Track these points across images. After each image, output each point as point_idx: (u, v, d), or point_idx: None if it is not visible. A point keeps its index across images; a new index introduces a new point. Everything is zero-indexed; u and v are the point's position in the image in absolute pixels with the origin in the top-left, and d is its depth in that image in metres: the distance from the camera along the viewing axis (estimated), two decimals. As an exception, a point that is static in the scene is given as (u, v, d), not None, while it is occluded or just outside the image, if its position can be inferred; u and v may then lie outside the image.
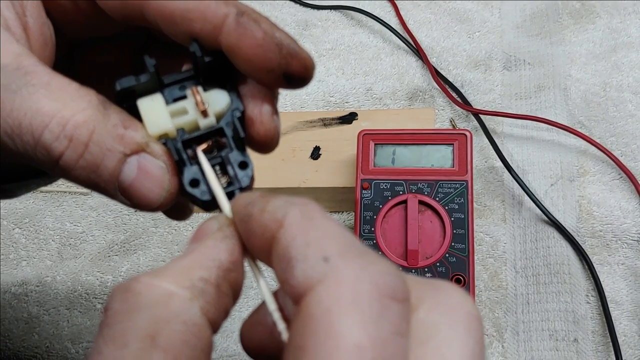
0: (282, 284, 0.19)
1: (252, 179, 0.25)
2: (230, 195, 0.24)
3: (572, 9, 0.65)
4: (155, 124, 0.24)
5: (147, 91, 0.24)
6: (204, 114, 0.24)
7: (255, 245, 0.21)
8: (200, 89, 0.25)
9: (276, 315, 0.21)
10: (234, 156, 0.24)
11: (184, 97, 0.25)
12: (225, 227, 0.22)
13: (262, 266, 0.23)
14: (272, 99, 0.26)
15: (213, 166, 0.24)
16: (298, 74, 0.24)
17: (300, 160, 0.56)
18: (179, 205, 0.30)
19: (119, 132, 0.22)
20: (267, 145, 0.26)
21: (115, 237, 0.58)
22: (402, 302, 0.18)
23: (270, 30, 0.24)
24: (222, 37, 0.23)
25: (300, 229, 0.19)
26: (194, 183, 0.24)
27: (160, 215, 0.58)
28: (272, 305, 0.21)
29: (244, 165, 0.24)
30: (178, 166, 0.24)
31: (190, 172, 0.24)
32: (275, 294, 0.22)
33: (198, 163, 0.24)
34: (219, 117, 0.25)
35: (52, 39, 0.26)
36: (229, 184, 0.24)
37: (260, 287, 0.22)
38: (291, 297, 0.19)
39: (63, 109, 0.22)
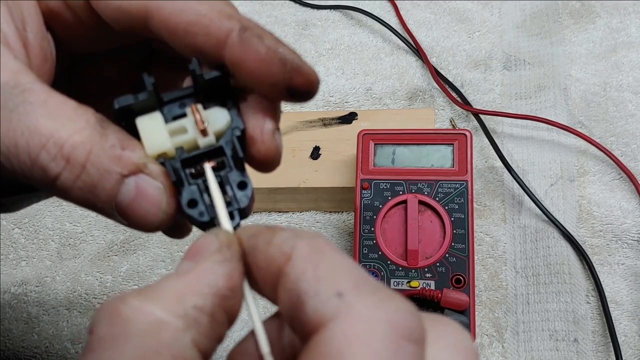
0: (290, 319, 0.19)
1: (251, 200, 0.24)
2: (229, 216, 0.24)
3: (572, 8, 0.65)
4: (154, 143, 0.23)
5: (146, 109, 0.24)
6: (204, 132, 0.24)
7: (259, 278, 0.20)
8: (200, 106, 0.24)
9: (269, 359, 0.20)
10: (233, 176, 0.24)
11: (183, 115, 0.24)
12: (225, 249, 0.21)
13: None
14: (275, 116, 0.25)
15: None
16: (302, 88, 0.24)
17: (300, 160, 0.56)
18: (177, 224, 0.29)
19: (116, 153, 0.22)
20: (267, 164, 0.25)
21: (115, 237, 0.58)
22: (417, 342, 0.17)
23: (273, 45, 0.23)
24: (226, 52, 0.23)
25: (310, 262, 0.19)
26: (192, 203, 0.24)
27: (159, 215, 0.58)
28: (265, 348, 0.21)
29: (242, 185, 0.24)
30: (176, 186, 0.24)
31: (188, 192, 0.24)
32: (266, 323, 0.21)
33: (196, 182, 0.24)
34: (218, 136, 0.24)
35: (52, 54, 0.25)
36: (228, 204, 0.24)
37: (254, 322, 0.21)
38: (299, 333, 0.18)
39: (60, 129, 0.21)
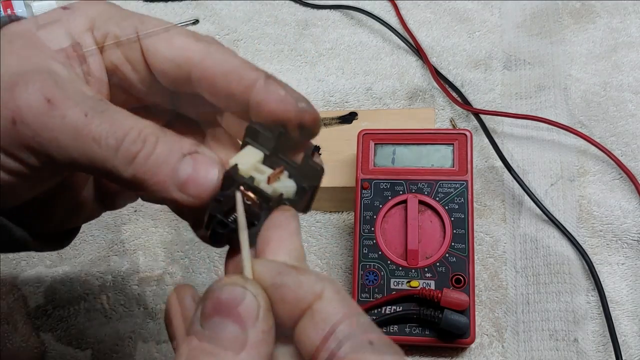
0: (315, 350, 0.23)
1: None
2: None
3: (572, 8, 0.65)
4: (242, 159, 0.29)
5: (264, 145, 0.30)
6: (269, 181, 0.29)
7: (285, 312, 0.24)
8: (285, 173, 0.30)
9: None
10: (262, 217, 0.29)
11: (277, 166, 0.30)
12: (268, 313, 0.24)
13: None
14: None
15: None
16: (309, 124, 0.30)
17: (300, 160, 0.56)
18: None
19: (176, 139, 0.28)
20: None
21: (115, 237, 0.58)
22: None
23: (290, 90, 0.30)
24: (253, 95, 0.29)
25: (340, 305, 0.24)
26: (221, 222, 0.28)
27: (160, 215, 0.58)
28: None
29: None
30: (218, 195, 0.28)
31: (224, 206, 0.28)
32: None
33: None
34: (275, 194, 0.29)
35: (106, 97, 0.31)
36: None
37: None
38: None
39: (138, 122, 0.28)
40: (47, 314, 0.54)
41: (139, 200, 0.37)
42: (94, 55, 0.31)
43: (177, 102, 0.35)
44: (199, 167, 0.28)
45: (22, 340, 0.53)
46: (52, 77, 0.28)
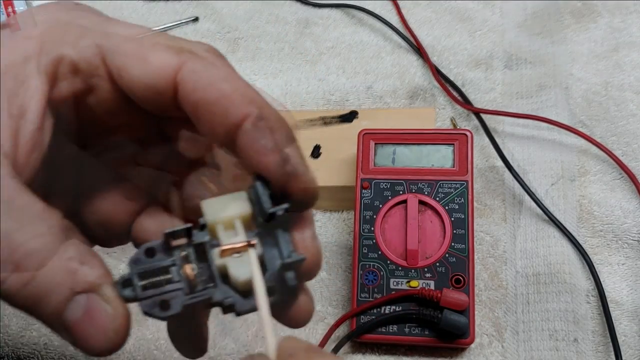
0: None
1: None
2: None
3: (573, 7, 0.65)
4: (219, 207, 0.24)
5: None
6: (222, 252, 0.24)
7: None
8: (254, 252, 0.24)
9: None
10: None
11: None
12: None
13: None
14: (312, 226, 0.26)
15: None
16: (296, 194, 0.24)
17: (300, 159, 0.55)
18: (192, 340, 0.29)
19: (72, 266, 0.21)
20: (310, 267, 0.25)
21: (114, 235, 0.58)
22: None
23: (282, 142, 0.24)
24: (238, 136, 0.23)
25: None
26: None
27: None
28: None
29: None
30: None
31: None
32: None
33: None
34: (220, 272, 0.24)
35: (43, 142, 0.24)
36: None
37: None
38: None
39: (18, 230, 0.21)
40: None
41: None
42: (28, 91, 0.23)
43: (158, 126, 0.29)
44: (91, 316, 0.21)
45: (21, 337, 0.53)
46: None
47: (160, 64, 0.23)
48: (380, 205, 0.49)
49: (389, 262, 0.48)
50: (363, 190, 0.50)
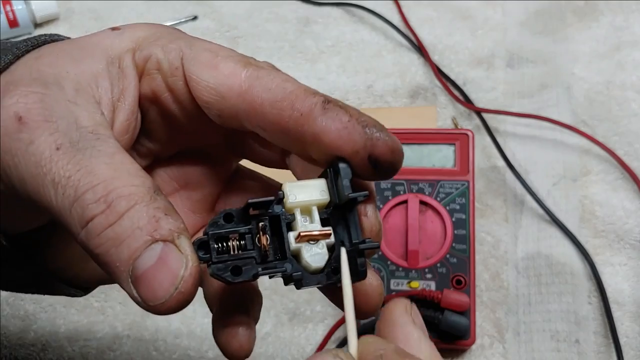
0: None
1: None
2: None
3: (575, 6, 0.64)
4: (297, 191, 0.25)
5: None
6: (299, 237, 0.25)
7: None
8: (326, 242, 0.25)
9: None
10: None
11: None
12: None
13: None
14: (374, 201, 0.27)
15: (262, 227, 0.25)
16: (384, 156, 0.24)
17: (300, 158, 0.55)
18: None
19: (157, 215, 0.22)
20: (373, 237, 0.26)
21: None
22: None
23: (356, 114, 0.24)
24: (309, 124, 0.24)
25: None
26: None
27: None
28: None
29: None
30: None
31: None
32: None
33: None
34: (293, 254, 0.25)
35: (134, 129, 0.27)
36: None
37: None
38: None
39: (115, 178, 0.22)
40: (45, 311, 0.54)
41: None
42: (127, 79, 0.27)
43: (233, 142, 0.30)
44: (164, 262, 0.22)
45: (19, 338, 0.53)
46: (41, 91, 0.24)
47: (228, 72, 0.26)
48: (381, 206, 0.49)
49: (389, 262, 0.47)
50: (363, 190, 0.50)
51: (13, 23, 0.66)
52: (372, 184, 0.27)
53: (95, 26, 0.66)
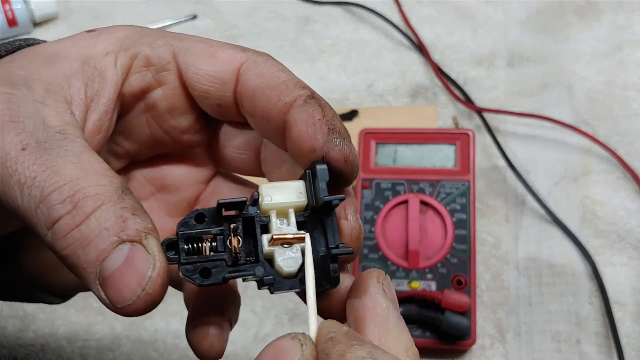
0: None
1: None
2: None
3: (577, 6, 0.64)
4: (273, 193, 0.24)
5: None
6: (272, 240, 0.24)
7: None
8: (300, 247, 0.24)
9: None
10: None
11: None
12: None
13: None
14: (354, 205, 0.27)
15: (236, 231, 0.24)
16: (336, 162, 0.24)
17: (301, 158, 0.55)
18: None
19: (124, 215, 0.22)
20: (353, 241, 0.26)
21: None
22: None
23: (329, 116, 0.25)
24: (289, 115, 0.25)
25: None
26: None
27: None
28: None
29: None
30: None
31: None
32: None
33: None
34: (266, 258, 0.24)
35: (107, 130, 0.27)
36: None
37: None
38: None
39: (82, 178, 0.22)
40: (44, 311, 0.54)
41: None
42: (104, 80, 0.26)
43: (211, 148, 0.30)
44: (131, 263, 0.21)
45: (19, 338, 0.53)
46: (9, 92, 0.23)
47: (227, 58, 0.27)
48: (381, 206, 0.49)
49: (390, 263, 0.47)
50: (364, 191, 0.50)
51: (12, 22, 0.66)
52: (351, 188, 0.27)
53: (95, 26, 0.65)
